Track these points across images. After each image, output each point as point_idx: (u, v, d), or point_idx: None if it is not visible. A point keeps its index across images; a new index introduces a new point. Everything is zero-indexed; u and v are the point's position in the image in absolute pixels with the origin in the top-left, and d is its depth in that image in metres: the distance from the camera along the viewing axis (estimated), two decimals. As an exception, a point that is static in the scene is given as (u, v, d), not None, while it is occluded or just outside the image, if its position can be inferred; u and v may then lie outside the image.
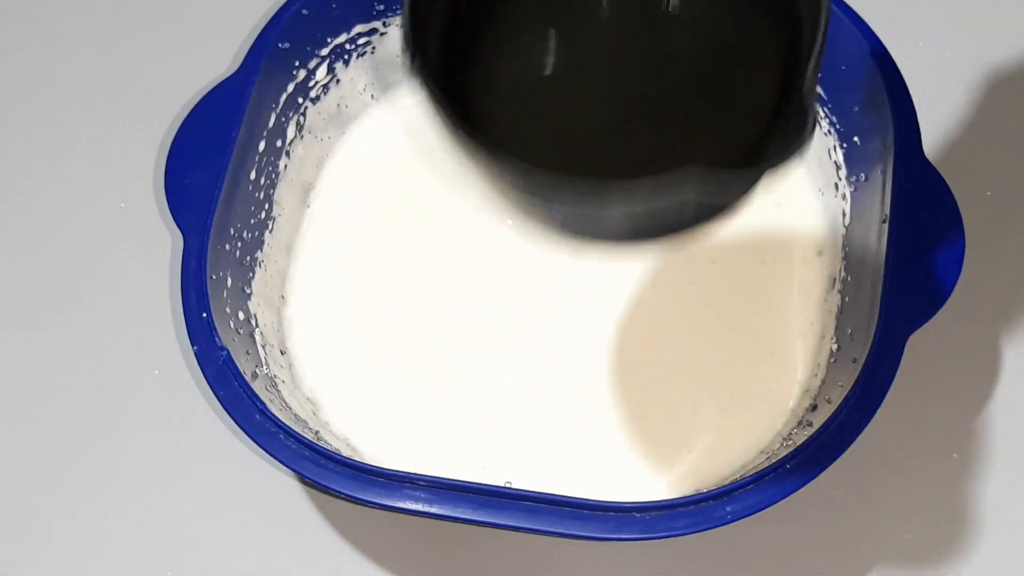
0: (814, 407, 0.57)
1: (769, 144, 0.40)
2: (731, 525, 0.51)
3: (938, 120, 0.65)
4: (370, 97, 0.68)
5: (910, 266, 0.55)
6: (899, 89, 0.58)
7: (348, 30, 0.65)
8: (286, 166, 0.63)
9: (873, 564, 0.58)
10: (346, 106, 0.67)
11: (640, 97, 0.46)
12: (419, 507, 0.52)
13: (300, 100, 0.64)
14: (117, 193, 0.68)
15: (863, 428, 0.52)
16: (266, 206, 0.62)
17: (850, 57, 0.59)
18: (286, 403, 0.57)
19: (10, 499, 0.62)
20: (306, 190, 0.66)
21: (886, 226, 0.56)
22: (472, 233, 0.64)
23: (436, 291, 0.63)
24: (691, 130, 0.45)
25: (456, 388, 0.61)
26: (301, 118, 0.64)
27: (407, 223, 0.65)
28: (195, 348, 0.55)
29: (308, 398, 0.61)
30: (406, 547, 0.59)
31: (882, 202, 0.57)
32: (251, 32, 0.65)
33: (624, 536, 0.51)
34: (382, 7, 0.65)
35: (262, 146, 0.61)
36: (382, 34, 0.66)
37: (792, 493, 0.52)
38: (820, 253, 0.63)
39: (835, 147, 0.62)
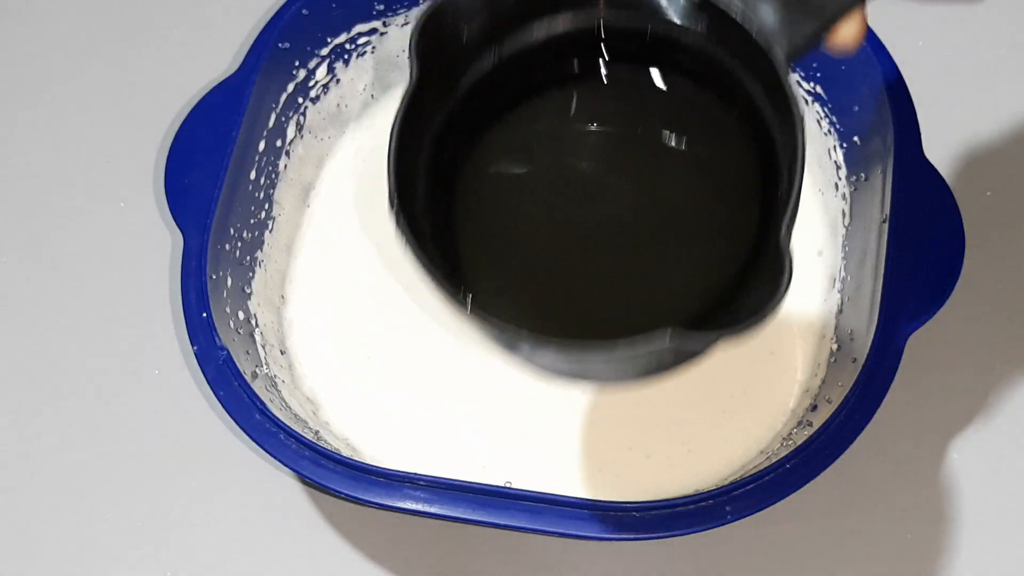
0: (814, 407, 0.57)
1: (744, 300, 0.41)
2: (731, 525, 0.51)
3: (938, 120, 0.64)
4: (370, 97, 0.68)
5: (910, 266, 0.55)
6: (899, 89, 0.58)
7: (348, 30, 0.65)
8: (286, 166, 0.63)
9: (873, 564, 0.58)
10: (346, 106, 0.67)
11: (620, 261, 0.46)
12: (419, 507, 0.52)
13: (300, 100, 0.64)
14: (117, 193, 0.68)
15: (863, 428, 0.52)
16: (266, 206, 0.62)
17: (850, 57, 0.59)
18: (286, 403, 0.57)
19: (10, 499, 0.62)
20: (306, 190, 0.66)
21: (886, 226, 0.56)
22: (472, 233, 0.64)
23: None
24: (668, 288, 0.45)
25: (456, 388, 0.61)
26: (301, 118, 0.64)
27: (407, 223, 0.65)
28: (195, 348, 0.55)
29: (308, 398, 0.61)
30: (406, 547, 0.59)
31: (882, 202, 0.57)
32: (251, 32, 0.65)
33: (624, 536, 0.51)
34: (382, 7, 0.65)
35: (262, 146, 0.61)
36: (382, 34, 0.66)
37: (792, 493, 0.52)
38: (820, 253, 0.63)
39: (835, 147, 0.62)
